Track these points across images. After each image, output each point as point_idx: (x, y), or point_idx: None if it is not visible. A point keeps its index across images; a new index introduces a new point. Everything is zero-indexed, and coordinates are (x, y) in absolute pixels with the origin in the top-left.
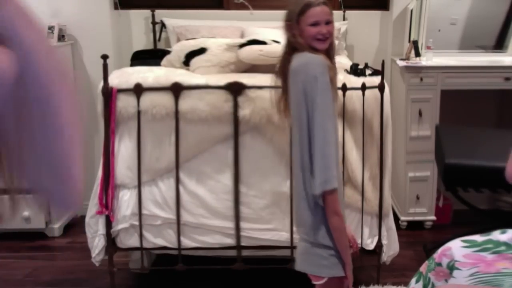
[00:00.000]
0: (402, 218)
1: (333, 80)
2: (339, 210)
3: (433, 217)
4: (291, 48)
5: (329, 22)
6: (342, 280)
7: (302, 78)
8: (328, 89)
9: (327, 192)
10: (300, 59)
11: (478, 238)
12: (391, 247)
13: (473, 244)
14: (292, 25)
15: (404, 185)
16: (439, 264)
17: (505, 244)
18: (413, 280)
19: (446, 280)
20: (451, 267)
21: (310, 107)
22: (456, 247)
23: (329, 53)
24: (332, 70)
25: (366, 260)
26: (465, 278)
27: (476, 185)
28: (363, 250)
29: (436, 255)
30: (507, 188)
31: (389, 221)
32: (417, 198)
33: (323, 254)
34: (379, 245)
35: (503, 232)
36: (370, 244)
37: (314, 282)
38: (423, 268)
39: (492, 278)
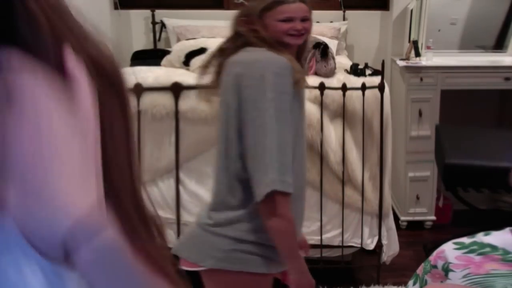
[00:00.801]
0: (402, 218)
1: (299, 82)
2: (288, 214)
3: (433, 217)
4: (242, 42)
5: (306, 19)
6: (254, 278)
7: (239, 71)
8: (284, 91)
9: (278, 193)
10: (249, 54)
11: (465, 240)
12: (391, 247)
13: (462, 246)
14: (251, 20)
15: (404, 185)
16: (435, 266)
17: (489, 245)
18: (411, 282)
19: (442, 282)
20: (446, 269)
21: (244, 104)
22: (449, 249)
23: (300, 52)
24: (299, 72)
25: (366, 260)
26: (459, 279)
27: (476, 185)
28: (363, 250)
29: (431, 258)
30: (507, 188)
31: (389, 221)
32: (417, 198)
33: (222, 247)
34: (379, 245)
35: (486, 234)
36: (370, 244)
37: (186, 268)
38: (419, 270)
39: (482, 280)
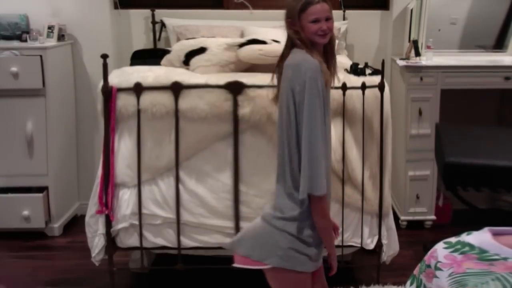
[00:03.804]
0: (402, 217)
1: (328, 82)
2: (327, 213)
3: (433, 217)
4: (291, 44)
5: (328, 19)
6: (299, 277)
7: (290, 76)
8: (317, 95)
9: (315, 197)
10: (295, 57)
11: (453, 239)
12: (391, 247)
13: (449, 245)
14: (294, 21)
15: (404, 184)
16: (429, 266)
17: (469, 245)
18: (408, 282)
19: (431, 281)
20: (435, 268)
21: (298, 108)
22: (439, 249)
23: (328, 49)
24: (327, 73)
25: (366, 260)
26: (446, 278)
27: (476, 184)
28: (363, 250)
29: (426, 257)
30: (507, 187)
31: (389, 221)
32: (417, 197)
33: (282, 244)
34: (379, 244)
35: (468, 234)
36: (370, 243)
37: (246, 266)
38: (416, 271)
39: (460, 278)
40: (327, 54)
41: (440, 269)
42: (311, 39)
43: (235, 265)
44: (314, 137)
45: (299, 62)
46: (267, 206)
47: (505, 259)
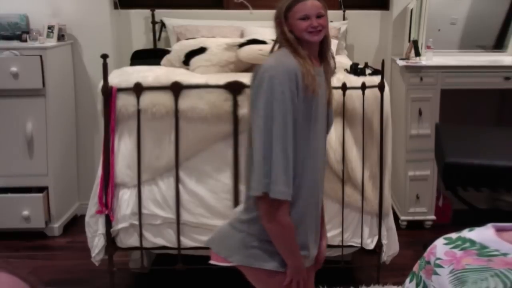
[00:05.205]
0: (402, 217)
1: (309, 87)
2: (282, 220)
3: (433, 217)
4: (277, 46)
5: (321, 16)
6: (273, 275)
7: (255, 77)
8: (278, 97)
9: (267, 199)
10: (269, 59)
11: (453, 235)
12: (391, 247)
13: (450, 241)
14: (281, 22)
15: (404, 184)
16: (428, 262)
17: (470, 241)
18: (407, 280)
19: (431, 278)
20: (435, 265)
21: (252, 111)
22: (439, 245)
23: (322, 47)
24: (309, 77)
25: (366, 260)
26: (447, 275)
27: (476, 184)
28: (363, 250)
29: (425, 254)
30: (507, 187)
31: (389, 221)
32: (417, 197)
33: (246, 243)
34: (379, 244)
35: (470, 230)
36: (370, 243)
37: (218, 263)
38: (415, 268)
39: (460, 275)
40: (323, 55)
41: (440, 266)
42: (302, 38)
43: (211, 261)
44: (271, 137)
45: (268, 66)
46: (239, 207)
47: (505, 254)
